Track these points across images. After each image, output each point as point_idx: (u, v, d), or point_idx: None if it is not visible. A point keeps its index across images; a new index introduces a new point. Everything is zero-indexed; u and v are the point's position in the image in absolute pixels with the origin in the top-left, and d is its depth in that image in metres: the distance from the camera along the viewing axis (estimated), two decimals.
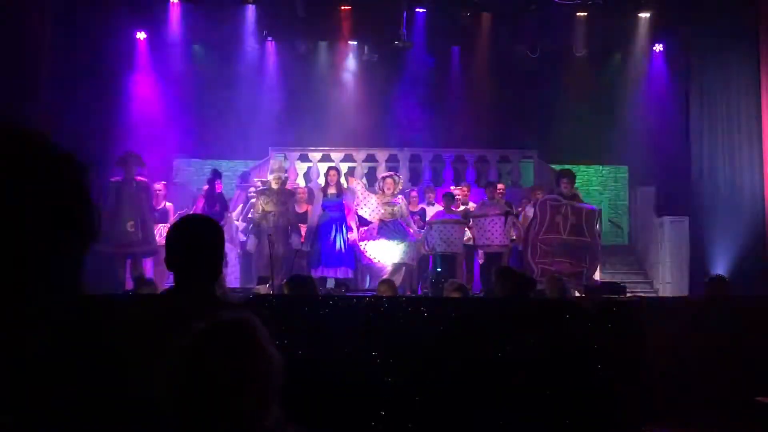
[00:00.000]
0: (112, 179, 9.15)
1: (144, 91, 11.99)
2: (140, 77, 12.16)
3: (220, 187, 9.88)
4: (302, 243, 9.30)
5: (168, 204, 10.48)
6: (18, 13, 9.03)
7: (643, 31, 12.67)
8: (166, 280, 8.11)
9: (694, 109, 11.64)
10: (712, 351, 4.95)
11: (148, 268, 9.37)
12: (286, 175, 10.42)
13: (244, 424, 1.39)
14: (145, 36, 12.43)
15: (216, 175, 10.03)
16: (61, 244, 0.64)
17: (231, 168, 13.22)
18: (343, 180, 10.53)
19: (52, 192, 0.65)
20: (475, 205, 10.32)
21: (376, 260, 9.17)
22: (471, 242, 9.86)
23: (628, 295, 8.18)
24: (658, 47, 12.95)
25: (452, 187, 11.24)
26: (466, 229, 9.62)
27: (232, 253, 10.36)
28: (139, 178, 9.12)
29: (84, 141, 10.42)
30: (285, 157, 12.87)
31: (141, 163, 9.14)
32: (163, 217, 9.79)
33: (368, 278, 9.62)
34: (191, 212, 10.03)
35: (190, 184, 13.17)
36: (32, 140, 0.65)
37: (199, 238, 2.06)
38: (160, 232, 9.22)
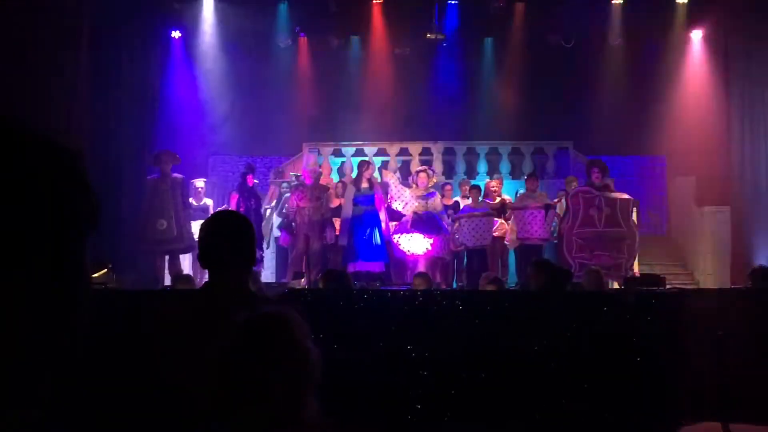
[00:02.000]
0: (149, 177, 9.26)
1: (179, 88, 12.13)
2: (176, 76, 12.31)
3: (252, 180, 9.92)
4: (337, 237, 9.32)
5: (208, 201, 10.59)
6: (55, 14, 9.19)
7: (680, 17, 12.39)
8: (204, 276, 8.20)
9: (734, 96, 11.37)
10: (754, 343, 4.83)
11: (187, 264, 9.49)
12: (320, 170, 10.45)
13: (279, 415, 1.41)
14: (180, 35, 12.59)
15: (249, 169, 10.08)
16: (59, 233, 0.64)
17: (265, 164, 13.31)
18: (376, 174, 10.52)
19: (45, 180, 0.64)
20: (509, 198, 10.23)
21: (409, 254, 9.16)
22: (504, 234, 9.77)
23: (668, 286, 8.04)
24: (697, 34, 12.66)
25: (487, 179, 11.16)
26: (495, 220, 9.54)
27: (267, 248, 10.45)
28: (174, 174, 9.20)
29: (121, 139, 10.62)
30: (319, 152, 12.92)
31: (176, 159, 9.22)
32: (203, 213, 9.88)
33: (405, 271, 9.60)
34: (226, 208, 10.15)
35: (226, 180, 13.31)
36: (17, 130, 0.65)
37: (229, 234, 2.09)
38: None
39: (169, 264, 9.10)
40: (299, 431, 1.43)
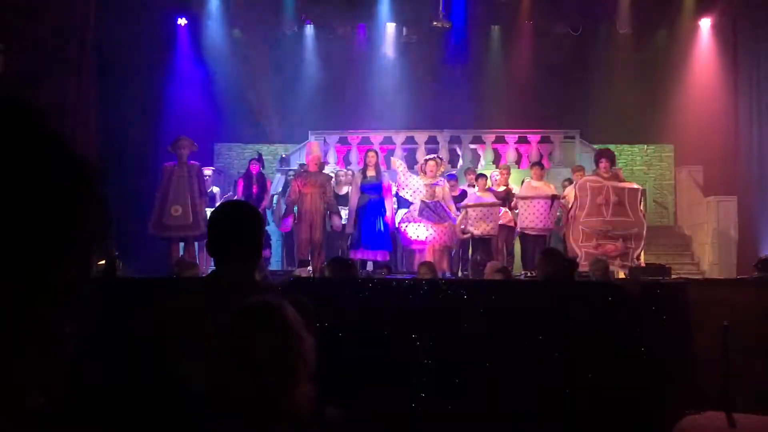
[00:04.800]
0: (166, 164, 9.25)
1: (185, 76, 12.13)
2: (181, 63, 12.30)
3: (256, 168, 9.92)
4: (344, 225, 9.31)
5: (215, 189, 10.60)
6: (63, 2, 9.19)
7: (689, 5, 12.30)
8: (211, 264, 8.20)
9: (742, 85, 11.30)
10: (759, 334, 4.83)
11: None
12: (323, 159, 10.43)
13: (271, 400, 1.45)
14: (185, 22, 12.57)
15: (255, 157, 10.09)
16: (67, 235, 0.65)
17: (271, 152, 13.33)
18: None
19: (64, 185, 0.65)
20: (515, 187, 10.22)
21: (415, 242, 9.14)
22: (511, 223, 9.77)
23: (674, 276, 8.03)
24: (705, 22, 12.56)
25: (493, 170, 11.13)
26: (502, 209, 9.52)
27: (273, 236, 10.47)
28: (191, 162, 9.20)
29: (127, 126, 10.63)
30: (324, 140, 12.90)
31: (193, 145, 9.20)
32: (210, 201, 9.90)
33: (413, 260, 9.59)
34: (232, 196, 10.16)
35: (231, 168, 13.34)
36: (49, 131, 0.66)
37: (237, 223, 2.09)
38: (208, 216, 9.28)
39: (184, 251, 9.10)
40: (294, 418, 1.46)
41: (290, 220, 9.43)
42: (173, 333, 1.86)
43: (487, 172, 10.55)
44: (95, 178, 0.68)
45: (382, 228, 9.13)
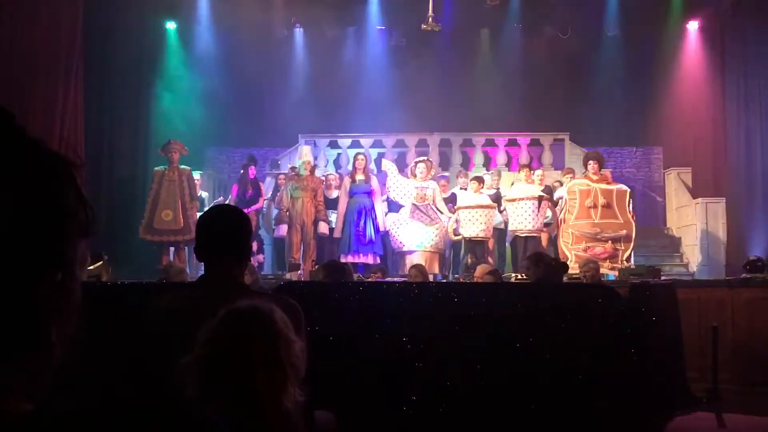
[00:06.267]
0: (157, 168, 9.24)
1: (174, 80, 12.08)
2: (171, 67, 12.25)
3: (254, 172, 9.92)
4: (332, 229, 9.30)
5: (204, 193, 10.56)
6: (52, 7, 9.15)
7: (676, 8, 12.37)
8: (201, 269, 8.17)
9: (730, 87, 11.38)
10: (748, 334, 4.87)
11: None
12: (314, 163, 10.43)
13: (260, 405, 1.44)
14: (175, 26, 12.52)
15: (250, 160, 10.07)
16: (52, 234, 0.65)
17: (261, 156, 13.29)
18: (372, 165, 10.48)
19: (42, 184, 0.65)
20: (505, 189, 10.24)
21: (406, 245, 9.15)
22: (502, 226, 9.78)
23: (663, 278, 8.07)
24: (693, 25, 12.64)
25: (483, 172, 11.15)
26: (496, 212, 9.54)
27: (266, 239, 10.45)
28: (182, 166, 9.18)
29: (116, 131, 10.58)
30: (315, 144, 12.89)
31: (184, 149, 9.20)
32: (199, 206, 9.88)
33: (403, 263, 9.59)
34: (225, 200, 10.14)
35: (221, 172, 13.30)
36: (20, 133, 0.66)
37: (224, 227, 2.09)
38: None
39: (175, 256, 9.09)
40: (283, 421, 1.46)
41: (284, 228, 9.42)
42: (162, 337, 1.86)
43: (478, 175, 10.57)
44: (76, 177, 0.68)
45: (372, 231, 9.14)
